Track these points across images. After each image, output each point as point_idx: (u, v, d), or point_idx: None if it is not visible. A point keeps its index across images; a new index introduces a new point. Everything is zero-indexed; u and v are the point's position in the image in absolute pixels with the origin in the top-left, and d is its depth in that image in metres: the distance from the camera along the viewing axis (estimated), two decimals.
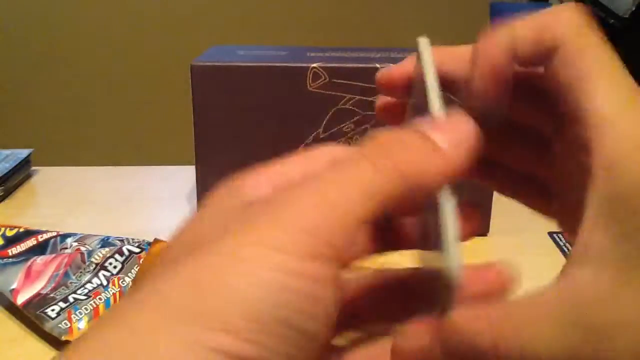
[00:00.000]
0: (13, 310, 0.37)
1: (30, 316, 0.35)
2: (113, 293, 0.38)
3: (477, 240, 0.51)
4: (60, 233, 0.44)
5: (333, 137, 0.45)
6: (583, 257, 0.16)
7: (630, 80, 0.17)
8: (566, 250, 0.46)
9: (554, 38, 0.18)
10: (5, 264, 0.39)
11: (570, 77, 0.17)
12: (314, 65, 0.43)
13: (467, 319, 0.17)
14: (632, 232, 0.15)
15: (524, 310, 0.17)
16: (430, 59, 0.19)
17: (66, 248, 0.43)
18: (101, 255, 0.40)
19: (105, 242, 0.43)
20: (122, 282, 0.39)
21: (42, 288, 0.37)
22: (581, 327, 0.15)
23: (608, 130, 0.16)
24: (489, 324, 0.17)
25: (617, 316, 0.15)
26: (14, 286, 0.37)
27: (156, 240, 0.40)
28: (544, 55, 0.18)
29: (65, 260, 0.40)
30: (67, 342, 0.33)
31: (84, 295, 0.37)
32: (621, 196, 0.15)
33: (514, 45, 0.18)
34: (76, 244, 0.43)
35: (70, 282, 0.38)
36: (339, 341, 0.20)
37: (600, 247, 0.16)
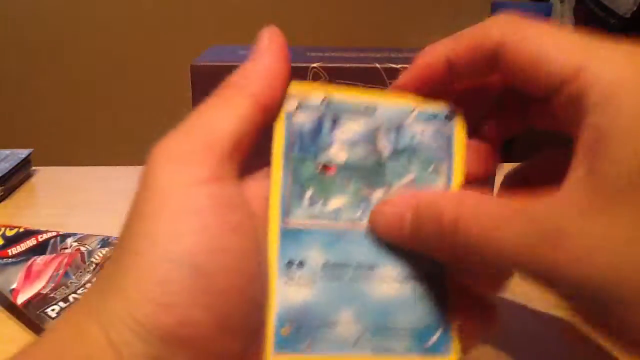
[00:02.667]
0: (13, 310, 0.37)
1: (30, 316, 0.35)
2: None
3: None
4: (60, 233, 0.44)
5: None
6: (563, 186, 0.17)
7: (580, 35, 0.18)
8: None
9: (492, 41, 0.19)
10: (5, 264, 0.39)
11: (528, 58, 0.18)
12: (314, 65, 0.43)
13: (441, 196, 0.19)
14: (607, 166, 0.16)
15: (493, 205, 0.18)
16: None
17: (66, 248, 0.43)
18: (101, 255, 0.40)
19: (105, 242, 0.43)
20: None
21: (42, 288, 0.37)
22: (539, 232, 0.16)
23: (592, 68, 0.17)
24: (457, 204, 0.18)
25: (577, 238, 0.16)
26: (14, 286, 0.37)
27: None
28: (487, 59, 0.19)
29: (65, 260, 0.40)
30: None
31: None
32: (604, 132, 0.16)
33: (451, 54, 0.20)
34: (76, 244, 0.43)
35: (71, 282, 0.38)
36: None
37: (576, 177, 0.17)
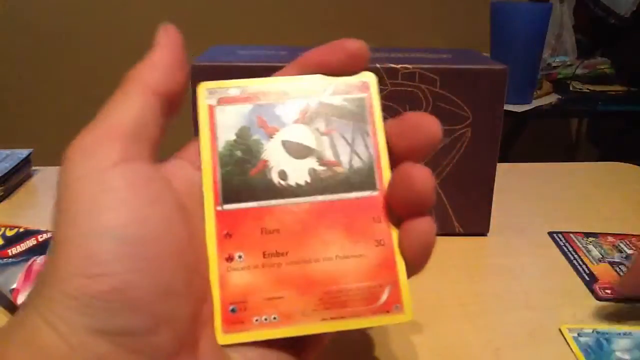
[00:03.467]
0: (13, 310, 0.37)
1: None
2: None
3: (477, 240, 0.51)
4: None
5: None
6: None
7: None
8: (566, 250, 0.46)
9: None
10: (5, 264, 0.39)
11: None
12: None
13: None
14: None
15: None
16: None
17: None
18: None
19: None
20: None
21: None
22: None
23: None
24: None
25: None
26: (14, 286, 0.37)
27: None
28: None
29: None
30: None
31: None
32: None
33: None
34: None
35: None
36: None
37: None
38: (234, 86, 0.23)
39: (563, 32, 1.59)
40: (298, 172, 0.22)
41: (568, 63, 1.57)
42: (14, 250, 0.42)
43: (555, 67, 1.56)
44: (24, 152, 0.59)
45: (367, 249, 0.22)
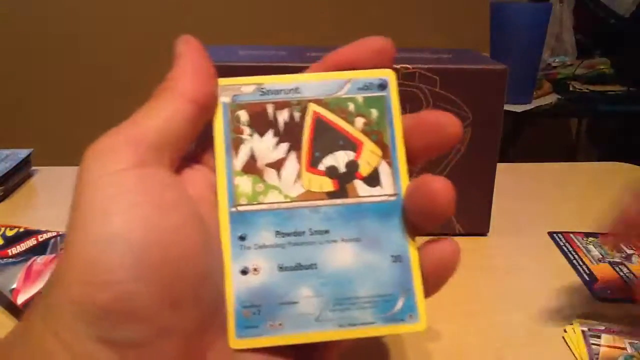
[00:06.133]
0: (13, 310, 0.37)
1: None
2: None
3: (477, 240, 0.51)
4: (60, 233, 0.44)
5: None
6: None
7: None
8: (566, 250, 0.46)
9: None
10: (5, 264, 0.39)
11: None
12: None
13: None
14: None
15: None
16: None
17: None
18: None
19: None
20: None
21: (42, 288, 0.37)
22: None
23: None
24: None
25: None
26: (14, 286, 0.37)
27: None
28: None
29: None
30: None
31: None
32: None
33: None
34: None
35: None
36: None
37: None
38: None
39: (563, 32, 1.58)
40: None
41: (568, 63, 1.57)
42: (14, 250, 0.42)
43: (555, 67, 1.56)
44: (24, 152, 0.59)
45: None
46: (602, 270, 0.42)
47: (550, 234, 0.48)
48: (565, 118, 1.88)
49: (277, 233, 0.21)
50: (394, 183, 0.22)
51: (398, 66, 0.41)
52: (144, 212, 0.18)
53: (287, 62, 0.43)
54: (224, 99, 0.22)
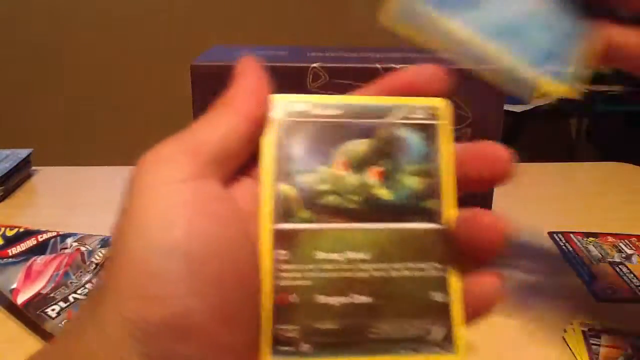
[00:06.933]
0: (13, 310, 0.37)
1: (30, 316, 0.35)
2: None
3: None
4: (60, 233, 0.44)
5: None
6: None
7: None
8: (566, 250, 0.46)
9: None
10: (5, 264, 0.39)
11: None
12: (314, 65, 0.43)
13: None
14: None
15: None
16: None
17: (66, 248, 0.43)
18: (101, 255, 0.40)
19: (105, 242, 0.43)
20: None
21: (42, 288, 0.37)
22: None
23: None
24: None
25: None
26: (14, 286, 0.37)
27: None
28: None
29: (66, 260, 0.40)
30: None
31: (84, 295, 0.37)
32: None
33: None
34: (76, 244, 0.43)
35: (71, 282, 0.38)
36: None
37: None
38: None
39: None
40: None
41: None
42: (14, 250, 0.42)
43: None
44: (23, 152, 0.59)
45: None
46: (602, 270, 0.42)
47: (550, 234, 0.48)
48: (565, 118, 1.88)
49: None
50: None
51: (398, 66, 0.41)
52: (203, 225, 0.18)
53: (288, 62, 0.43)
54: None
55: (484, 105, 0.44)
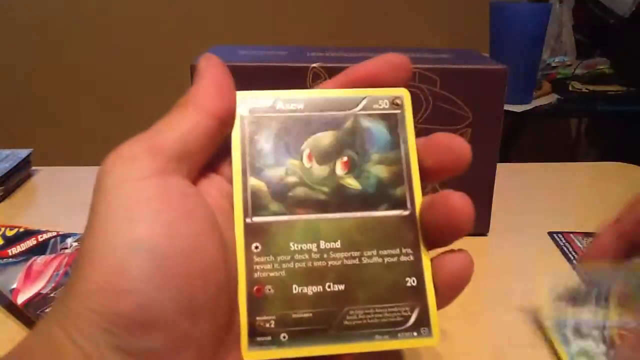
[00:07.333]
0: (13, 310, 0.37)
1: (30, 316, 0.35)
2: None
3: (477, 240, 0.51)
4: (60, 233, 0.44)
5: None
6: None
7: None
8: (566, 250, 0.46)
9: None
10: (5, 264, 0.39)
11: None
12: (314, 65, 0.43)
13: None
14: None
15: None
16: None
17: (66, 248, 0.43)
18: None
19: None
20: None
21: (42, 288, 0.37)
22: None
23: None
24: None
25: None
26: (14, 286, 0.37)
27: None
28: None
29: (66, 260, 0.40)
30: None
31: None
32: None
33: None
34: (76, 244, 0.43)
35: None
36: None
37: None
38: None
39: (562, 32, 1.59)
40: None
41: (567, 63, 1.57)
42: (14, 250, 0.42)
43: (554, 67, 1.56)
44: (23, 152, 0.59)
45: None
46: None
47: (550, 234, 0.48)
48: (565, 118, 1.88)
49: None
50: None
51: None
52: (167, 220, 0.18)
53: (287, 62, 0.43)
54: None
55: (484, 105, 0.44)
